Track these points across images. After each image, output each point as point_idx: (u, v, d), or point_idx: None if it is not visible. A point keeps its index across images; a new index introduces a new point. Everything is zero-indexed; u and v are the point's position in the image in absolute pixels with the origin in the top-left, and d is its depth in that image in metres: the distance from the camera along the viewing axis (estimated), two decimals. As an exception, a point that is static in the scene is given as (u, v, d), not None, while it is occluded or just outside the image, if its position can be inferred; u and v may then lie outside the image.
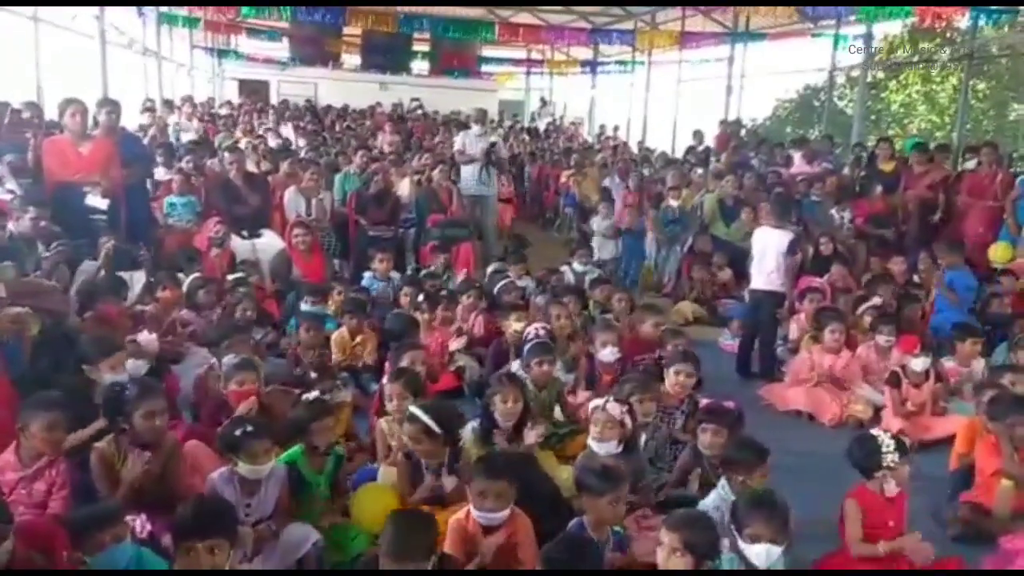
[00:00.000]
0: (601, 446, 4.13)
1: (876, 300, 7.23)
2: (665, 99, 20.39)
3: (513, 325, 5.97)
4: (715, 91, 18.25)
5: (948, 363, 6.15)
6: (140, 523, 3.36)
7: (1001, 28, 12.71)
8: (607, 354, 5.68)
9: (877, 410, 5.95)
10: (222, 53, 21.12)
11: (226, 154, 8.92)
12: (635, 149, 17.22)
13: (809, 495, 4.10)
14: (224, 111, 16.80)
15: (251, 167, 9.57)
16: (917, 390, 5.78)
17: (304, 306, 6.42)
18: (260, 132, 13.79)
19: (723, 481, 3.86)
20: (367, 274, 7.63)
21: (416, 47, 17.59)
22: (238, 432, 3.56)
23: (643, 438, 4.55)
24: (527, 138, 18.35)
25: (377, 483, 4.26)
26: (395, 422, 4.40)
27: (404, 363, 5.08)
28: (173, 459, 3.84)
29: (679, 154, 15.54)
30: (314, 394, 4.16)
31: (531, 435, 4.49)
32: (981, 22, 11.32)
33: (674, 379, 4.97)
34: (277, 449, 3.78)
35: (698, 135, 16.11)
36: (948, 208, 9.82)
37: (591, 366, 5.79)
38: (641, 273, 9.82)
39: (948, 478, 4.78)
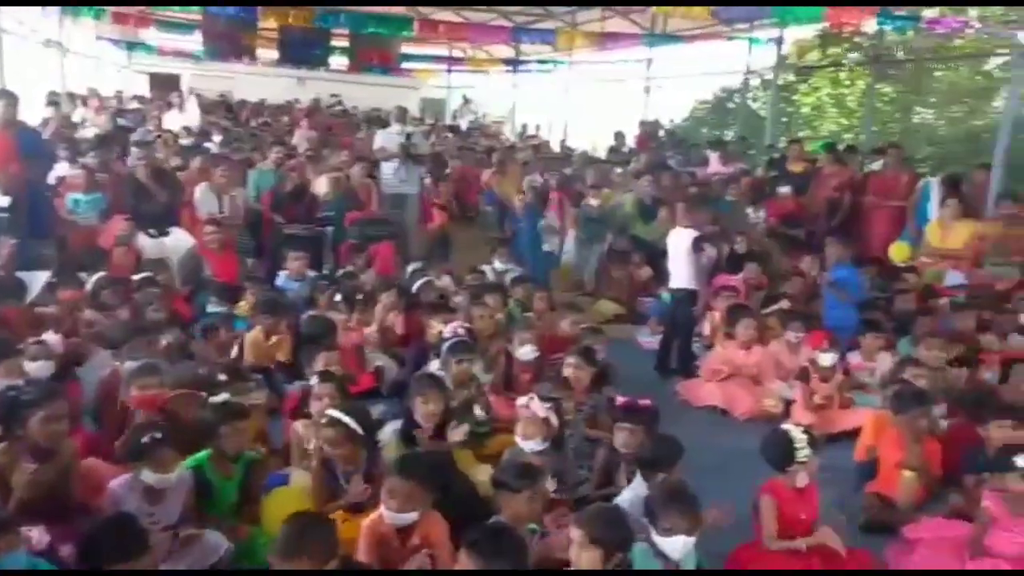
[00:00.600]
0: (527, 444, 4.18)
1: (783, 303, 7.40)
2: (587, 99, 20.61)
3: (437, 326, 5.92)
4: (636, 92, 18.54)
5: (854, 358, 6.34)
6: (38, 534, 3.21)
7: (905, 34, 13.19)
8: (525, 353, 5.69)
9: (788, 404, 6.09)
10: (131, 45, 20.37)
11: (134, 149, 8.59)
12: (557, 148, 17.35)
13: (723, 488, 4.16)
14: (133, 105, 16.22)
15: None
16: (825, 384, 5.95)
17: (211, 307, 6.24)
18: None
19: (638, 476, 3.90)
20: (282, 273, 7.45)
21: (335, 42, 17.24)
22: (144, 440, 3.42)
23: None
24: (450, 136, 18.27)
25: (288, 487, 4.16)
26: (314, 425, 4.30)
27: (319, 365, 5.00)
28: (71, 468, 3.67)
29: (601, 154, 15.71)
30: (223, 397, 4.02)
31: (455, 435, 4.47)
32: (886, 28, 11.76)
33: (571, 373, 5.03)
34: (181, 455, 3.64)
35: (619, 136, 16.31)
36: (855, 208, 10.16)
37: (509, 365, 5.77)
38: (559, 272, 9.87)
39: (854, 470, 4.94)
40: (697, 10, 8.30)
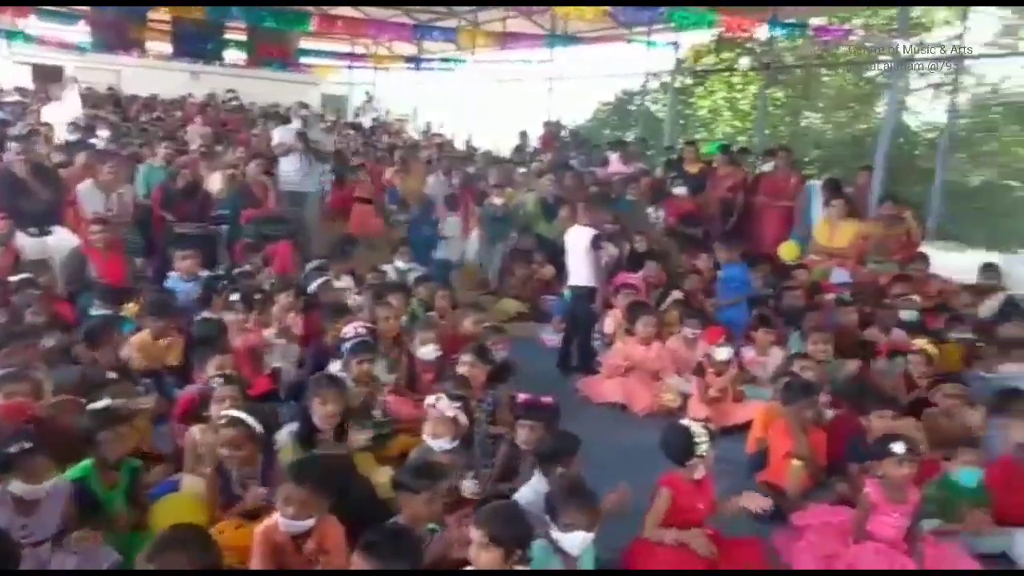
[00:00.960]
0: (436, 443, 4.19)
1: (676, 294, 7.60)
2: (491, 98, 20.66)
3: (337, 327, 5.80)
4: (539, 92, 18.70)
5: (747, 353, 6.55)
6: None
7: (795, 40, 13.72)
8: (427, 352, 5.66)
9: (685, 398, 6.24)
10: (11, 35, 19.28)
11: (13, 144, 8.11)
12: (462, 147, 17.33)
13: (623, 481, 4.22)
14: (14, 98, 15.36)
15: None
16: (720, 378, 6.13)
17: (95, 309, 5.95)
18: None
19: (537, 473, 3.92)
20: (172, 274, 7.17)
21: (232, 36, 16.72)
22: (12, 449, 3.23)
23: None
24: (352, 133, 18.00)
25: (178, 495, 4.00)
26: (211, 430, 4.16)
27: (212, 368, 4.84)
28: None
29: (505, 153, 15.78)
30: (103, 403, 3.83)
31: (358, 439, 4.41)
32: (777, 34, 12.22)
33: (466, 371, 5.04)
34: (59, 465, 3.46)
35: (523, 135, 16.40)
36: (748, 208, 10.51)
37: (411, 364, 5.72)
38: (463, 271, 9.85)
39: (747, 460, 5.09)
40: (595, 12, 8.40)
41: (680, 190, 10.70)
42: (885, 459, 3.90)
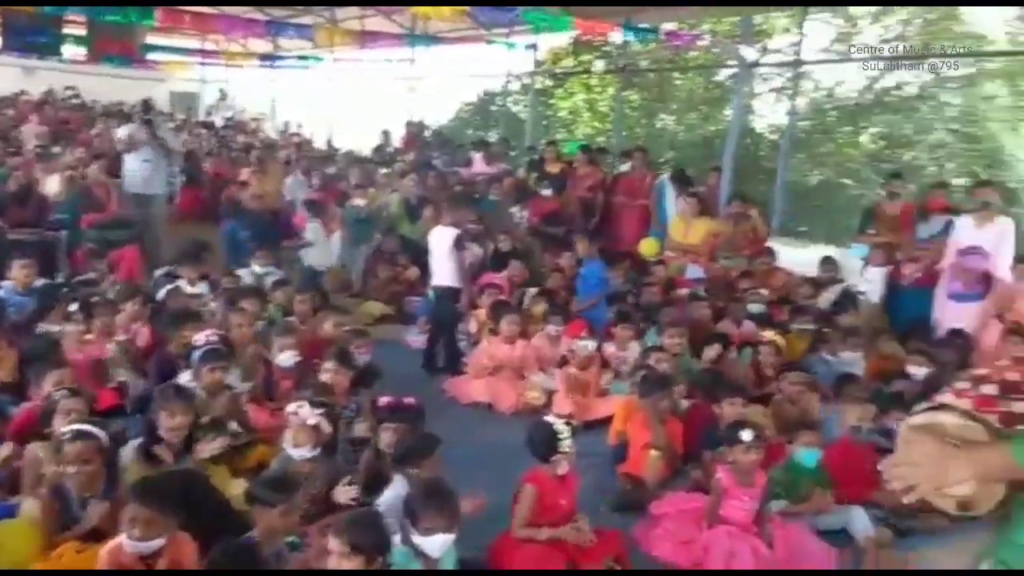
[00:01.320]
0: (297, 452, 4.08)
1: (532, 291, 7.73)
2: (352, 97, 20.32)
3: (186, 335, 5.53)
4: (401, 91, 18.56)
5: (608, 348, 6.71)
6: None
7: (648, 45, 14.18)
8: (285, 359, 5.49)
9: (550, 395, 6.33)
10: None
11: None
12: (322, 147, 16.96)
13: (489, 480, 4.24)
14: None
15: None
16: (583, 373, 6.25)
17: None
18: None
19: (398, 476, 3.88)
20: (5, 283, 6.64)
21: (69, 30, 15.65)
22: None
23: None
24: (204, 132, 17.28)
25: (14, 520, 3.70)
26: (53, 446, 3.86)
27: (49, 384, 4.52)
28: None
29: (367, 153, 15.56)
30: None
31: (205, 450, 4.20)
32: (630, 39, 12.60)
33: (329, 377, 4.95)
34: None
35: (385, 135, 16.21)
36: (607, 207, 10.79)
37: (269, 372, 5.54)
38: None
39: (609, 453, 5.22)
40: (453, 12, 8.39)
41: (546, 190, 10.86)
42: (735, 446, 4.08)
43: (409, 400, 4.64)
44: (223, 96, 23.00)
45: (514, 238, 9.72)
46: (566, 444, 3.93)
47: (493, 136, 16.78)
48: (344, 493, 3.90)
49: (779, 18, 15.53)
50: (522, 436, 4.16)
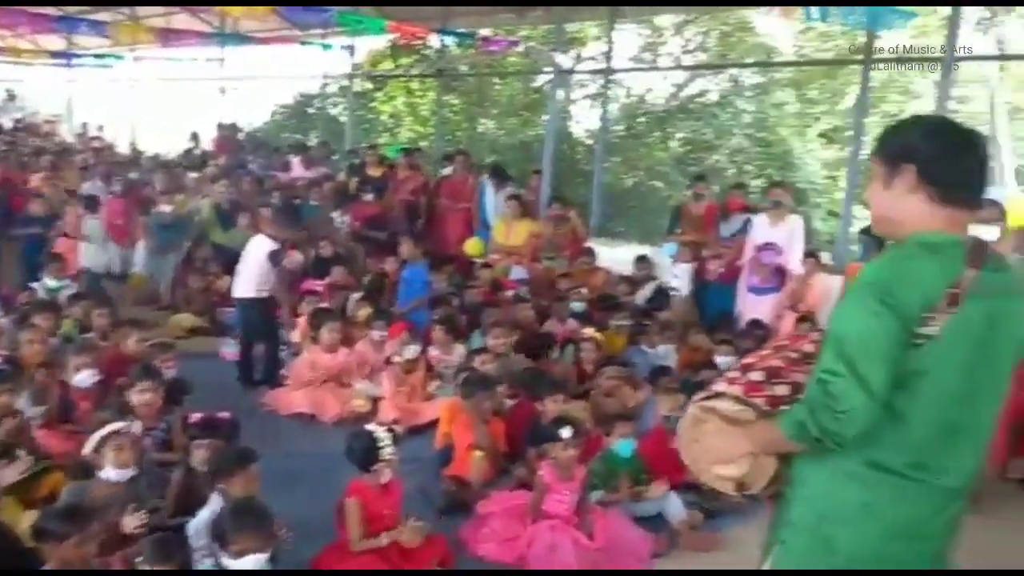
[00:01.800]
0: (107, 474, 3.80)
1: (354, 296, 7.61)
2: (159, 98, 19.19)
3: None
4: (212, 93, 17.75)
5: (432, 351, 6.68)
6: None
7: (467, 49, 14.31)
8: (83, 378, 5.07)
9: (376, 401, 6.21)
10: None
11: None
12: (126, 150, 15.89)
13: (311, 493, 4.11)
14: None
15: None
16: (409, 377, 6.19)
17: None
18: None
19: (214, 495, 3.67)
20: None
21: None
22: None
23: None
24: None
25: None
26: None
27: None
28: None
29: (175, 157, 14.74)
30: None
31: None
32: (447, 43, 12.67)
33: (138, 398, 4.64)
34: None
35: (194, 137, 15.43)
36: (431, 210, 10.79)
37: (65, 393, 5.09)
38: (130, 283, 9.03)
39: (436, 457, 5.19)
40: (263, 10, 8.08)
41: (365, 195, 10.69)
42: (555, 443, 4.16)
43: (223, 415, 4.41)
44: (11, 96, 21.07)
45: (335, 243, 9.51)
46: (387, 452, 3.86)
47: (311, 139, 16.36)
48: (131, 521, 3.61)
49: (591, 27, 16.14)
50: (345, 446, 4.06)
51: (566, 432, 4.13)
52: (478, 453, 4.74)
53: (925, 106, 12.67)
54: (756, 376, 2.26)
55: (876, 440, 1.96)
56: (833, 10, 6.03)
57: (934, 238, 1.97)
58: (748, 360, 2.37)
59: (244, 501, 3.26)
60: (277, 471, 4.35)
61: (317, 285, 8.35)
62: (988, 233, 4.64)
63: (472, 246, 9.75)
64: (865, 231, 7.10)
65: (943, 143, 2.01)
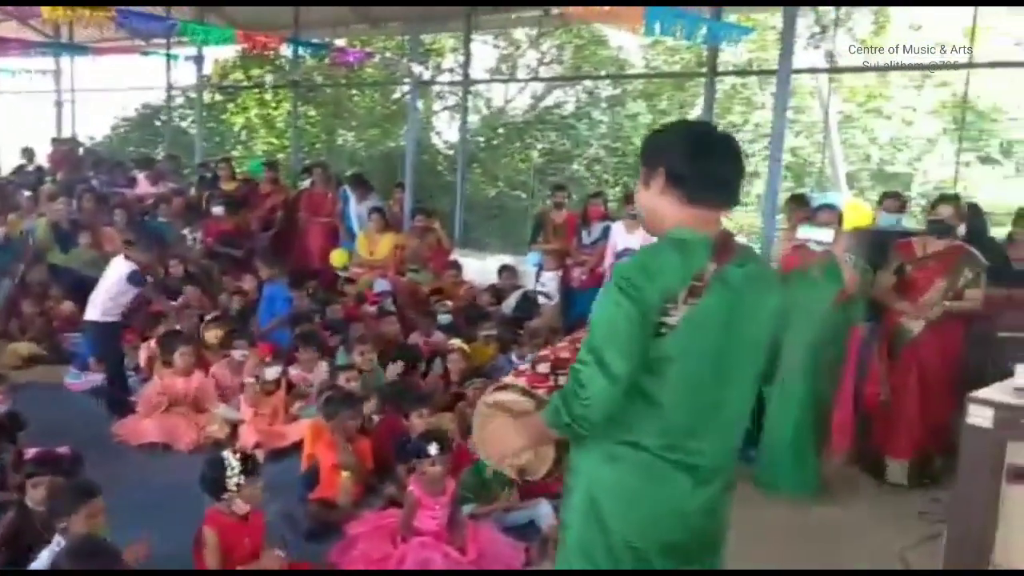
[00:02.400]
0: None
1: (214, 313, 7.32)
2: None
3: None
4: (47, 106, 16.67)
5: (294, 371, 6.47)
6: None
7: (322, 60, 14.01)
8: None
9: (235, 426, 5.94)
10: None
11: None
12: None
13: (168, 525, 3.88)
14: None
15: None
16: (270, 398, 5.96)
17: None
18: None
19: (57, 537, 3.40)
20: None
21: None
22: None
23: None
24: None
25: None
26: None
27: None
28: None
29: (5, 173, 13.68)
30: None
31: None
32: (300, 53, 12.34)
33: None
34: None
35: (27, 152, 14.39)
36: (291, 225, 10.50)
37: None
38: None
39: (299, 480, 5.00)
40: (95, 17, 7.61)
41: (218, 209, 10.27)
42: (423, 459, 4.10)
43: (62, 449, 4.11)
44: None
45: (188, 262, 9.09)
46: (234, 480, 3.66)
47: (159, 153, 15.61)
48: None
49: (447, 38, 16.18)
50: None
51: (432, 448, 4.07)
52: (344, 474, 4.60)
53: (766, 116, 13.46)
54: (543, 368, 2.37)
55: (634, 424, 2.09)
56: (677, 24, 6.26)
57: (682, 235, 2.11)
58: (543, 353, 2.52)
59: (83, 539, 3.02)
60: (129, 505, 4.14)
61: (168, 306, 7.93)
62: (825, 235, 4.98)
63: (337, 257, 9.59)
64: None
65: (691, 148, 2.14)
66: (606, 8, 6.17)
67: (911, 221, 7.14)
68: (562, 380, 2.22)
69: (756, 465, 5.47)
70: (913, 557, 4.35)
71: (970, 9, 8.26)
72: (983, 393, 4.00)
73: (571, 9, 8.41)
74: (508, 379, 2.45)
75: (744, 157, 2.29)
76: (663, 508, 2.13)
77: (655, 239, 2.22)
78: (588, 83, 15.41)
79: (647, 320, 2.00)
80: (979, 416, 3.87)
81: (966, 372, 5.41)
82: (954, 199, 5.70)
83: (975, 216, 6.05)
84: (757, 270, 2.21)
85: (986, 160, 12.66)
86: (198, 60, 13.97)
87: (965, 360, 5.44)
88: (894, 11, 12.63)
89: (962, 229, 5.63)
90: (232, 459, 3.70)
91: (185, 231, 10.01)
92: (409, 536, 4.06)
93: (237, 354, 6.49)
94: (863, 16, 12.99)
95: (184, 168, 13.57)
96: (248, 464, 3.73)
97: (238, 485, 3.65)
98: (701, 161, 2.13)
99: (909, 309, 5.37)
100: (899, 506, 5.12)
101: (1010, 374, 5.10)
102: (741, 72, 13.02)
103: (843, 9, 11.84)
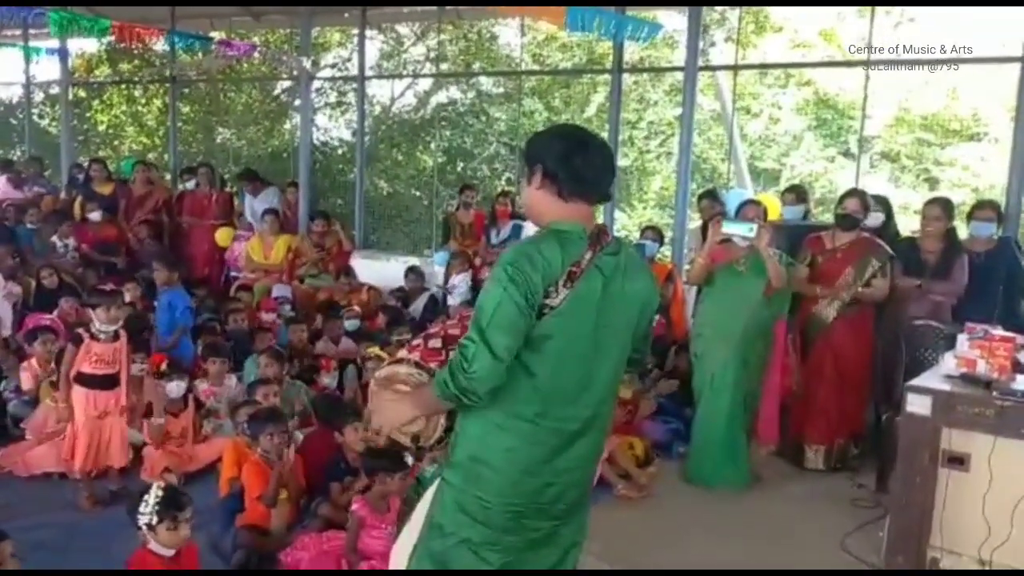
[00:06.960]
0: None
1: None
2: None
3: None
4: None
5: (201, 385, 6.05)
6: None
7: (196, 55, 13.28)
8: None
9: (139, 450, 5.45)
10: None
11: None
12: None
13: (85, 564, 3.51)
14: None
15: None
16: (176, 418, 5.54)
17: None
18: None
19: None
20: None
21: None
22: None
23: None
24: None
25: None
26: None
27: None
28: None
29: None
30: None
31: None
32: (177, 46, 11.63)
33: None
34: None
35: None
36: (175, 228, 9.90)
37: None
38: None
39: (221, 506, 4.63)
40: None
41: (94, 214, 9.55)
42: (376, 474, 3.88)
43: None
44: None
45: (61, 271, 8.39)
46: (148, 519, 3.26)
47: (18, 155, 14.44)
48: None
49: (333, 32, 15.67)
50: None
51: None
52: (283, 495, 4.28)
53: (659, 113, 13.71)
54: (435, 343, 2.61)
55: (515, 395, 2.33)
56: (596, 21, 6.25)
57: (562, 226, 2.35)
58: (433, 329, 2.79)
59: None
60: (32, 545, 3.79)
61: (45, 320, 7.29)
62: (748, 230, 5.05)
63: (223, 236, 9.19)
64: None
65: (563, 148, 2.38)
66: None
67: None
68: (452, 355, 2.35)
69: (687, 460, 5.53)
70: (854, 544, 4.45)
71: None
72: (920, 381, 4.14)
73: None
74: (402, 353, 2.64)
75: (614, 158, 2.56)
76: (534, 468, 2.38)
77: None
78: (480, 80, 15.26)
79: (530, 303, 2.24)
80: (917, 404, 4.00)
81: (877, 360, 5.64)
82: (860, 193, 5.90)
83: (885, 210, 6.29)
84: (628, 259, 2.45)
85: (847, 155, 13.31)
86: (62, 54, 12.96)
87: (876, 349, 5.65)
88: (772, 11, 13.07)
89: (873, 220, 5.86)
90: (154, 492, 3.32)
91: (54, 238, 9.28)
92: (356, 561, 3.82)
93: (135, 368, 5.98)
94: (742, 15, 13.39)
95: (48, 170, 12.58)
96: (167, 498, 3.31)
97: (148, 525, 3.26)
98: (574, 161, 2.36)
99: (825, 293, 5.54)
100: (826, 493, 5.26)
101: (922, 362, 5.32)
102: (649, 69, 13.28)
103: (720, 9, 12.20)
